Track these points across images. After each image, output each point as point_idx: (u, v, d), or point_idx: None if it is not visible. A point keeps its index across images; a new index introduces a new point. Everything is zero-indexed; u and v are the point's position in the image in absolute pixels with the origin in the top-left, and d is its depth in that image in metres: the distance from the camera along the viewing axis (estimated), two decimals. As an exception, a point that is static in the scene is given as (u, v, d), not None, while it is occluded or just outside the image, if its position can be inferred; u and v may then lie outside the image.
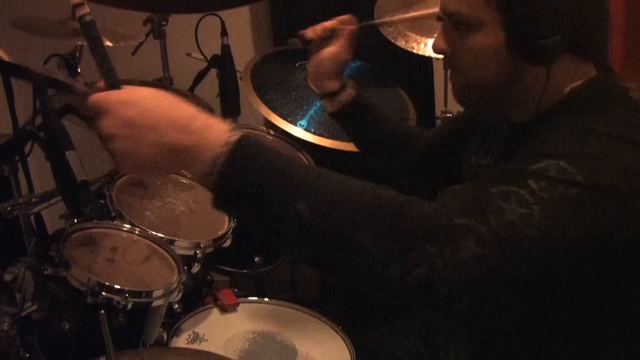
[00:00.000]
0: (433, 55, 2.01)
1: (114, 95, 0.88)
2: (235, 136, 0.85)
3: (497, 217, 0.87)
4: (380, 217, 0.86)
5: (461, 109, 1.41)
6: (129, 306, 1.30)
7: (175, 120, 0.86)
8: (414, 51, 1.99)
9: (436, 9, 1.11)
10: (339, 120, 1.48)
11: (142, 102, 0.87)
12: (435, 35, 1.11)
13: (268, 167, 0.85)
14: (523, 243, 0.88)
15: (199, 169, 0.87)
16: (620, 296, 1.02)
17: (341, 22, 1.42)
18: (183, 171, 1.72)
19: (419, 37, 2.01)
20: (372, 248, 0.84)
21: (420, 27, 2.04)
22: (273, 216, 0.86)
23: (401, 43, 2.00)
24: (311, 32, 1.40)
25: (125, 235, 1.48)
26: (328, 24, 1.42)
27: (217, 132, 0.86)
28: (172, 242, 1.50)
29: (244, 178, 0.85)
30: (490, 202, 0.88)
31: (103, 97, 0.88)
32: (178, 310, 1.50)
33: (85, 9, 0.91)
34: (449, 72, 1.15)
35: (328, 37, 1.41)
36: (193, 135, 0.85)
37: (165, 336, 1.45)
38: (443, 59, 1.13)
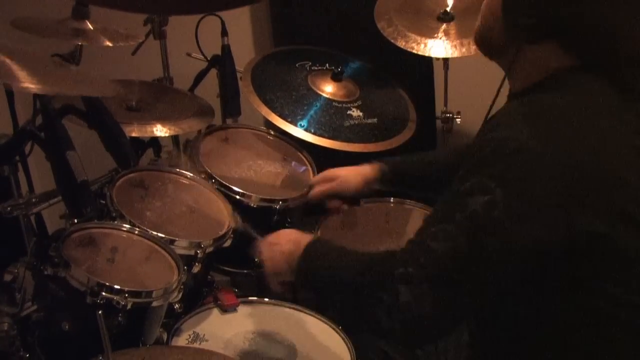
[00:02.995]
0: (433, 55, 2.02)
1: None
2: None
3: (427, 257, 0.99)
4: (363, 277, 1.09)
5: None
6: (129, 306, 1.31)
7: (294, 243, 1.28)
8: (414, 51, 1.99)
9: None
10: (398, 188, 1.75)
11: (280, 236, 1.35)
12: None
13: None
14: (459, 272, 0.98)
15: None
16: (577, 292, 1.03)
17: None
18: (182, 171, 1.74)
19: (419, 38, 2.01)
20: (360, 301, 1.08)
21: (420, 27, 2.04)
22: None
23: (401, 43, 2.00)
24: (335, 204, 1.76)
25: (125, 235, 1.48)
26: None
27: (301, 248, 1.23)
28: (172, 242, 1.50)
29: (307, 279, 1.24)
30: (423, 245, 1.01)
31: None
32: (178, 310, 1.50)
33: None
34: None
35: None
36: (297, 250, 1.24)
37: (165, 336, 1.45)
38: None
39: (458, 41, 1.99)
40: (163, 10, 1.91)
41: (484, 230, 0.96)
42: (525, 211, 0.95)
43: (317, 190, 1.75)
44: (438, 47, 2.00)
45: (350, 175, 1.71)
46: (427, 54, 2.00)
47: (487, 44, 1.18)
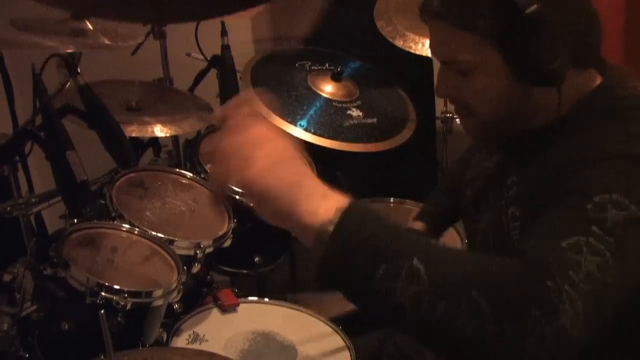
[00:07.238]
0: (430, 55, 2.01)
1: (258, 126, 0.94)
2: (345, 204, 0.86)
3: (577, 272, 0.86)
4: (490, 275, 0.86)
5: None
6: (129, 306, 1.31)
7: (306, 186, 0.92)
8: (412, 51, 1.99)
9: None
10: None
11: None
12: (435, 81, 1.14)
13: (381, 228, 0.86)
14: (606, 291, 0.87)
15: (306, 231, 0.87)
16: None
17: None
18: (182, 171, 1.74)
19: (417, 37, 2.01)
20: (485, 307, 0.82)
21: (419, 27, 2.04)
22: (388, 274, 0.84)
23: (399, 42, 2.00)
24: None
25: (125, 235, 1.48)
26: None
27: (335, 201, 0.87)
28: (172, 242, 1.50)
29: (357, 235, 0.85)
30: (567, 258, 0.87)
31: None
32: (178, 310, 1.50)
33: None
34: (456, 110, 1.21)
35: None
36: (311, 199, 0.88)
37: (165, 336, 1.45)
38: (451, 101, 1.17)
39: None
40: (162, 20, 1.92)
41: (628, 245, 0.90)
42: None
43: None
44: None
45: None
46: (424, 54, 2.00)
47: (501, 124, 1.12)
